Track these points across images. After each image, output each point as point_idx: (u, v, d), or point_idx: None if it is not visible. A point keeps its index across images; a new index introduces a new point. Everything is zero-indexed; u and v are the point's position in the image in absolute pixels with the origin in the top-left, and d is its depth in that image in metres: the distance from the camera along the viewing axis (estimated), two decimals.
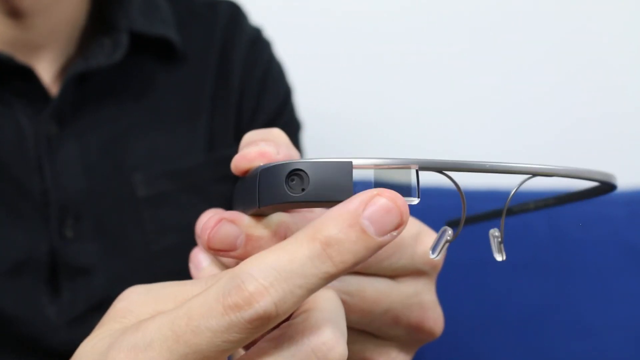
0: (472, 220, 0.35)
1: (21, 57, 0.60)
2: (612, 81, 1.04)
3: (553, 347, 0.90)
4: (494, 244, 0.31)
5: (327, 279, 0.24)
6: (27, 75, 0.60)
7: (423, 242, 0.33)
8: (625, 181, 0.96)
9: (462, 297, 0.91)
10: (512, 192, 0.29)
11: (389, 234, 0.24)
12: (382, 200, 0.24)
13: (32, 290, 0.60)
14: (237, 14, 0.74)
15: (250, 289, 0.23)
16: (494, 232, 0.31)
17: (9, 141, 0.60)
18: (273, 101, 0.73)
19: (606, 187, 0.31)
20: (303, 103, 0.81)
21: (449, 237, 0.30)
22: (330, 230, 0.24)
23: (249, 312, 0.23)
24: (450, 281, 0.90)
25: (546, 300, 0.91)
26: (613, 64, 1.03)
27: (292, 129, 0.75)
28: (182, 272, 0.33)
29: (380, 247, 0.24)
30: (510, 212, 0.33)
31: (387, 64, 1.04)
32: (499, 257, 0.31)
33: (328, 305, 0.27)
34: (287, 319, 0.27)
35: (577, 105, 1.04)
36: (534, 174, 0.28)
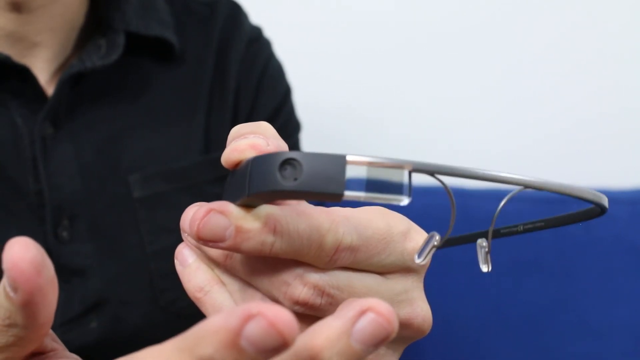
0: (459, 241, 0.35)
1: (18, 56, 0.60)
2: (613, 80, 1.03)
3: (555, 348, 0.90)
4: (481, 255, 0.31)
5: None
6: (24, 75, 0.60)
7: (413, 239, 0.32)
8: (628, 181, 0.96)
9: (463, 297, 0.90)
10: (502, 203, 0.29)
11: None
12: (262, 322, 0.22)
13: None
14: (237, 13, 0.73)
15: None
16: (482, 243, 0.31)
17: (4, 141, 0.60)
18: (270, 101, 0.72)
19: (596, 209, 0.31)
20: (303, 101, 0.81)
21: (436, 243, 0.30)
22: (206, 349, 0.22)
23: None
24: (451, 281, 0.90)
25: (548, 300, 0.90)
26: (614, 63, 1.03)
27: (291, 129, 0.74)
28: (177, 273, 0.32)
29: None
30: (498, 234, 0.33)
31: (389, 62, 1.03)
32: (484, 268, 0.31)
33: None
34: None
35: (578, 105, 1.03)
36: (526, 186, 0.28)
